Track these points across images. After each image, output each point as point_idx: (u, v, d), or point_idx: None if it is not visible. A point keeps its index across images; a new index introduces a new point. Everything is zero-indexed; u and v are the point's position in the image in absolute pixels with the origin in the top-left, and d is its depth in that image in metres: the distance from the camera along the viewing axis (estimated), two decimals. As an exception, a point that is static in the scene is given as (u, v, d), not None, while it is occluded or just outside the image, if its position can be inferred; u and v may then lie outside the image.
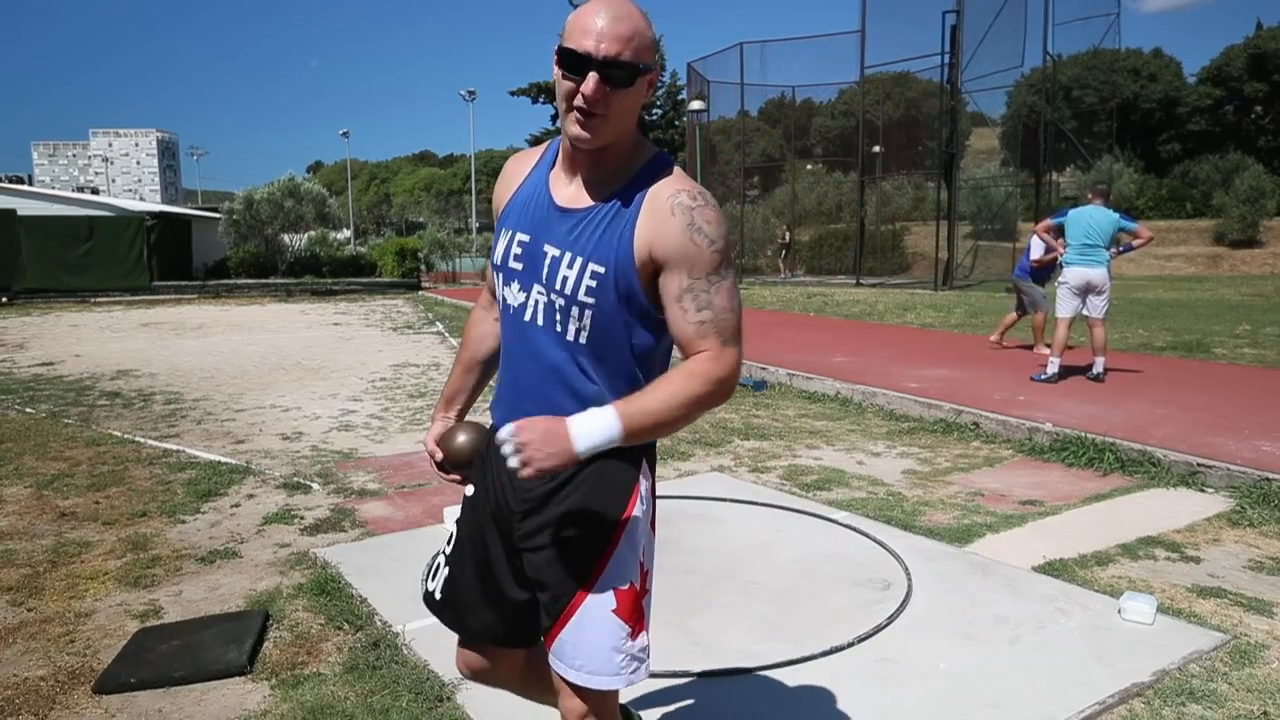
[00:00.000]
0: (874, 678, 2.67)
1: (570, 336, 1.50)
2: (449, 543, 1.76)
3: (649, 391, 1.46)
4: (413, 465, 5.31)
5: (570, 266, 1.48)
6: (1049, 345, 9.45)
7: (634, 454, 1.57)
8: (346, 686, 2.63)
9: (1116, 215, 7.43)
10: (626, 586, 1.56)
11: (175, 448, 5.70)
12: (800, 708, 2.50)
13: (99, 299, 20.12)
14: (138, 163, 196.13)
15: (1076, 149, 26.35)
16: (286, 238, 26.76)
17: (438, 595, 1.75)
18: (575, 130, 1.43)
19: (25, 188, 30.38)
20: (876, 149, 25.84)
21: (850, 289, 21.00)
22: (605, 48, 1.38)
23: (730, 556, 3.69)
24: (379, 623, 3.06)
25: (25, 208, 21.29)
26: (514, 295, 1.56)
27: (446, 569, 1.74)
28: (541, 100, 39.51)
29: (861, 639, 2.91)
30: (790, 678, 2.67)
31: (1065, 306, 7.54)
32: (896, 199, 28.52)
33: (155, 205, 38.06)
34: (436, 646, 2.87)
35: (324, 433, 6.20)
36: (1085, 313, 7.48)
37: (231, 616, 3.10)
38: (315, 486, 4.83)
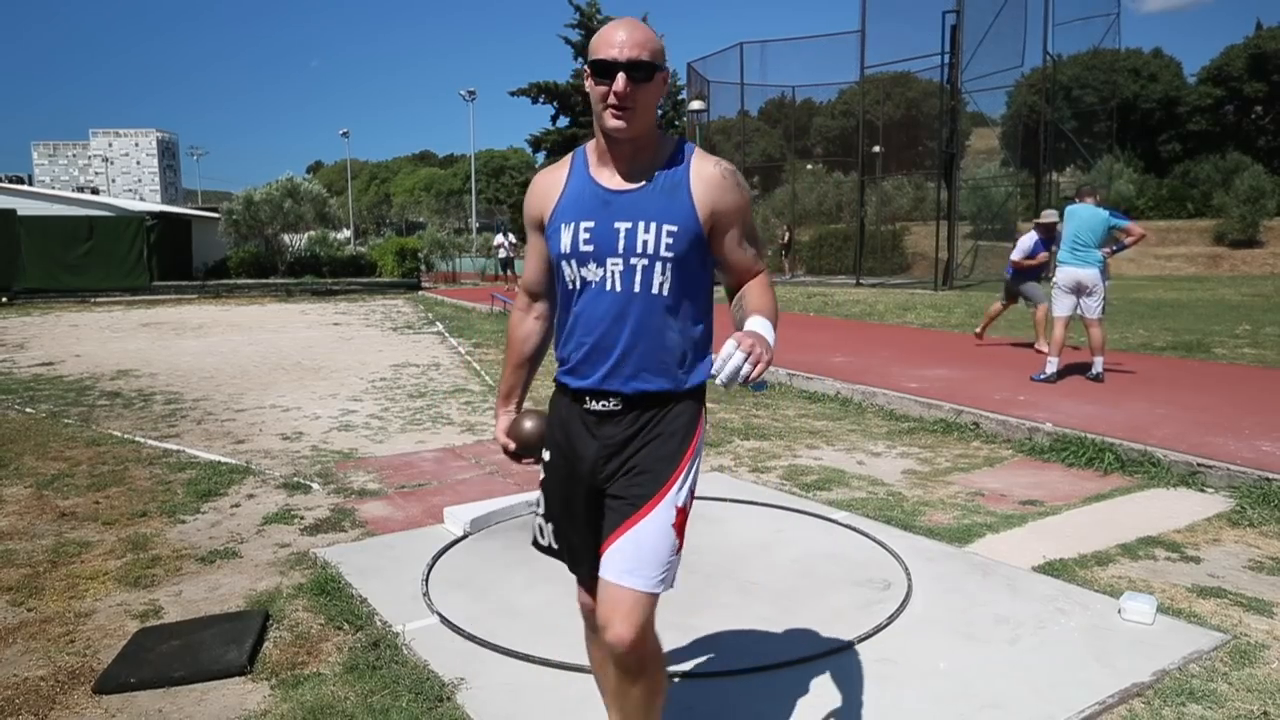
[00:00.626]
0: (874, 678, 2.67)
1: (655, 289, 1.81)
2: (539, 504, 2.04)
3: (763, 302, 1.86)
4: (413, 465, 5.31)
5: (647, 231, 1.80)
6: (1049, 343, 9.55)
7: (696, 397, 1.90)
8: (346, 686, 2.63)
9: (1106, 213, 7.48)
10: (683, 505, 1.85)
11: (175, 448, 5.70)
12: (800, 708, 2.50)
13: (99, 299, 20.13)
14: (138, 163, 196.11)
15: (1076, 149, 26.35)
16: (286, 238, 26.75)
17: (554, 545, 2.04)
18: (612, 123, 1.76)
19: (25, 188, 30.37)
20: (876, 149, 25.85)
21: (850, 289, 21.00)
22: (627, 52, 1.72)
23: (730, 556, 3.69)
24: (379, 623, 3.06)
25: (25, 208, 21.29)
26: (591, 273, 1.84)
27: (550, 524, 2.02)
28: (541, 100, 39.47)
29: (861, 639, 2.91)
30: (790, 678, 2.67)
31: (1060, 306, 7.58)
32: (896, 199, 28.53)
33: (155, 205, 38.05)
34: (436, 646, 2.87)
35: (324, 433, 6.20)
36: (1080, 313, 7.51)
37: (231, 616, 3.10)
38: (315, 486, 4.83)
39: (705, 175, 1.83)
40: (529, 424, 1.97)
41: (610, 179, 1.84)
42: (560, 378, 1.96)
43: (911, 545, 3.81)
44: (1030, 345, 9.72)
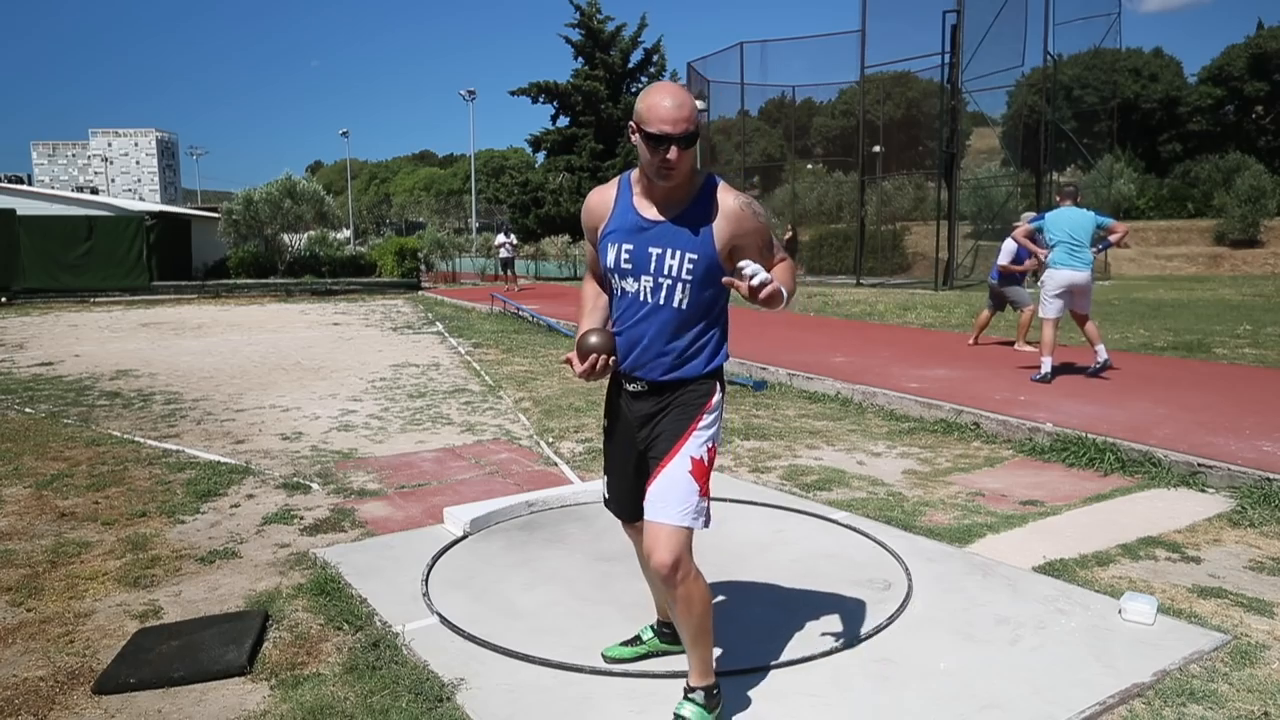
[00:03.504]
0: (874, 678, 2.66)
1: (675, 304, 2.29)
2: (604, 461, 2.61)
3: (784, 275, 2.28)
4: (412, 465, 5.31)
5: (674, 258, 2.26)
6: (1030, 343, 9.55)
7: (710, 378, 2.36)
8: (346, 687, 2.62)
9: (1093, 213, 7.51)
10: (699, 456, 2.31)
11: (175, 448, 5.70)
12: (800, 708, 2.50)
13: (98, 299, 20.12)
14: (137, 162, 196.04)
15: (1077, 149, 26.35)
16: (286, 238, 26.70)
17: (607, 495, 2.62)
18: (663, 181, 2.21)
19: (25, 187, 30.36)
20: (877, 149, 25.82)
21: (850, 289, 21.00)
22: (680, 128, 2.13)
23: (730, 556, 3.69)
24: (379, 623, 3.06)
25: (25, 207, 21.26)
26: (629, 285, 2.32)
27: (606, 477, 2.60)
28: (541, 100, 39.38)
29: (861, 639, 2.91)
30: (790, 678, 2.67)
31: (1050, 308, 7.54)
32: (897, 199, 28.48)
33: (155, 205, 38.03)
34: (436, 647, 2.87)
35: (324, 433, 6.20)
36: (1074, 309, 7.54)
37: (231, 616, 3.09)
38: (315, 486, 4.83)
39: (726, 210, 2.26)
40: (592, 338, 2.36)
41: (648, 210, 2.29)
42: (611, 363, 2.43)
43: (912, 545, 3.81)
44: (1033, 345, 9.73)
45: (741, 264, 2.12)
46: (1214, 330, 11.42)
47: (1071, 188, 8.00)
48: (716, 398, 2.38)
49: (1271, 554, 3.74)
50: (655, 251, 2.27)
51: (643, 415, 2.38)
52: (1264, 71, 45.67)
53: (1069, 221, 7.44)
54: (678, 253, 2.25)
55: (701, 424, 2.33)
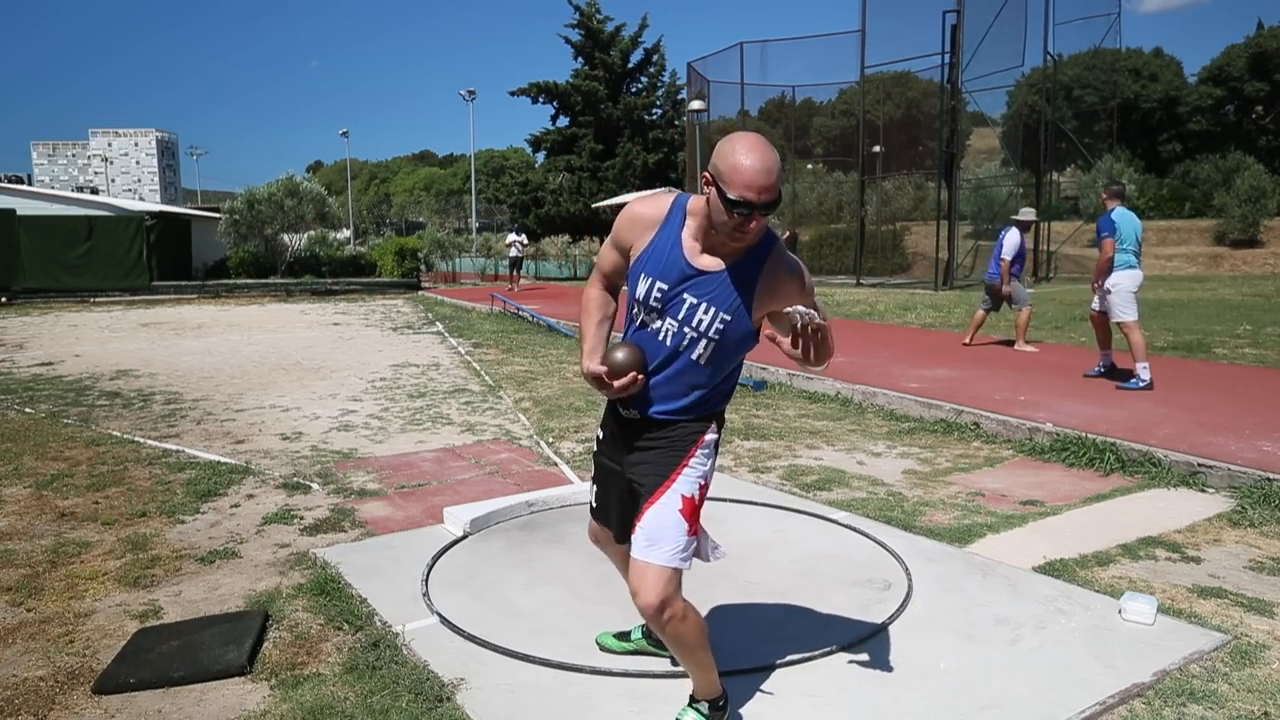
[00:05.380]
0: (874, 678, 2.66)
1: (694, 357, 2.16)
2: (592, 469, 2.52)
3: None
4: (412, 465, 5.31)
5: (706, 313, 2.11)
6: (1030, 342, 9.62)
7: (706, 419, 2.25)
8: (346, 687, 2.62)
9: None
10: (689, 494, 2.20)
11: (175, 448, 5.70)
12: (800, 708, 2.50)
13: (98, 299, 20.12)
14: (137, 162, 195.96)
15: (1077, 149, 26.36)
16: (286, 238, 26.68)
17: (594, 504, 2.52)
18: (738, 244, 2.07)
19: (25, 187, 30.33)
20: (876, 149, 25.80)
21: (851, 289, 20.99)
22: (765, 197, 1.95)
23: (730, 556, 3.67)
24: (379, 623, 3.06)
25: (25, 207, 21.25)
26: (652, 321, 2.18)
27: (595, 487, 2.50)
28: (541, 100, 39.39)
29: (861, 639, 2.91)
30: (790, 678, 2.67)
31: (1132, 310, 7.26)
32: (897, 199, 28.48)
33: (155, 205, 38.01)
34: (436, 647, 2.87)
35: (324, 433, 6.20)
36: (1115, 317, 7.33)
37: (231, 616, 3.09)
38: (315, 486, 4.83)
39: (775, 280, 2.13)
40: (620, 353, 2.18)
41: (695, 256, 2.13)
42: None
43: (912, 545, 3.81)
44: (1032, 344, 9.74)
45: (788, 311, 2.04)
46: (1214, 330, 11.42)
47: (1119, 186, 7.67)
48: (711, 436, 2.27)
49: (1271, 554, 3.74)
50: (689, 300, 2.11)
51: (633, 444, 2.28)
52: (1264, 71, 45.66)
53: (1134, 224, 7.29)
54: (712, 309, 2.10)
55: (694, 460, 2.22)
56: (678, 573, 2.16)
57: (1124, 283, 7.29)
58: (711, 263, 2.11)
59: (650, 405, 2.22)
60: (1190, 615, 3.10)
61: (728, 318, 2.10)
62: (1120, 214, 7.32)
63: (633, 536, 2.21)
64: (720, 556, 2.42)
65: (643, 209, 2.21)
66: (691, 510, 2.20)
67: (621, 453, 2.32)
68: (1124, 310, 7.30)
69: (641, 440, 2.26)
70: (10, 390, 7.98)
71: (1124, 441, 5.24)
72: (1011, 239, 9.38)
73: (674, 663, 2.70)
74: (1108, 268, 7.36)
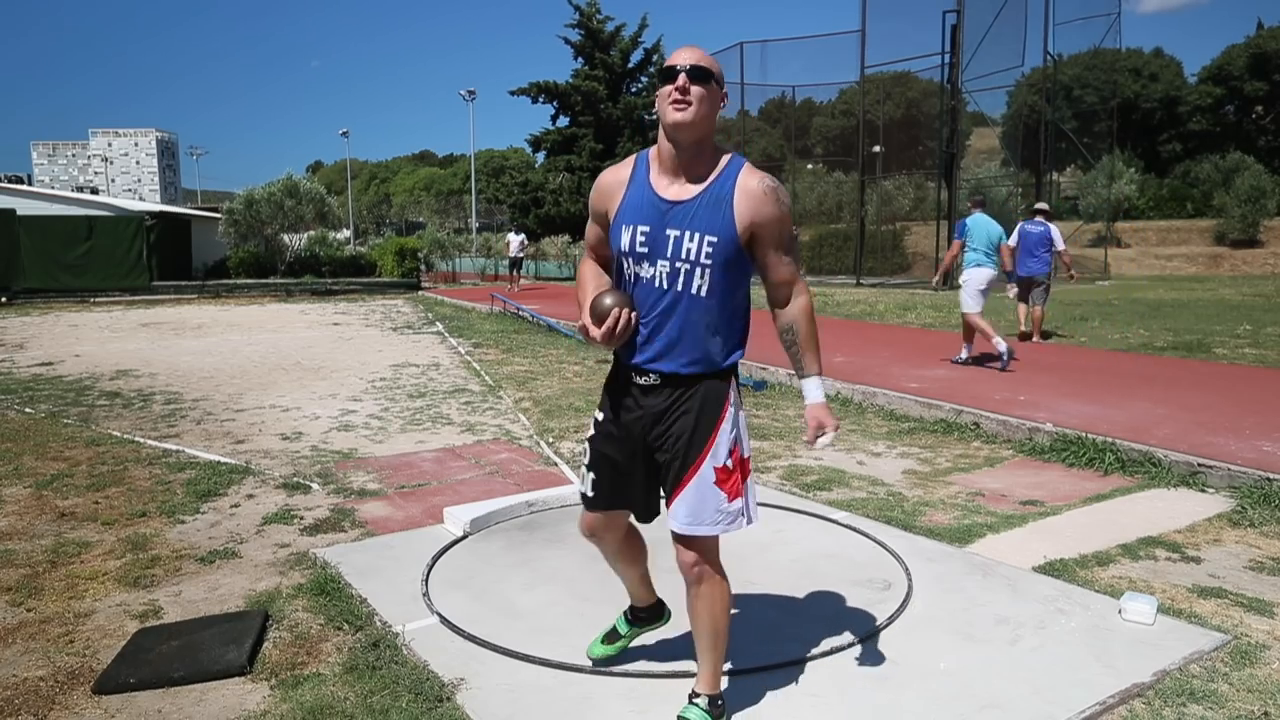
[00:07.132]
0: (874, 678, 2.66)
1: (695, 290, 2.16)
2: (586, 456, 2.43)
3: (809, 341, 2.41)
4: (412, 465, 5.31)
5: (691, 240, 2.14)
6: (1027, 337, 10.34)
7: (725, 376, 2.28)
8: (346, 687, 2.62)
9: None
10: (722, 464, 2.23)
11: (175, 448, 5.70)
12: (800, 708, 2.50)
13: (98, 299, 20.12)
14: (137, 163, 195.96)
15: (1077, 149, 26.38)
16: (286, 238, 26.69)
17: (590, 493, 2.42)
18: (675, 117, 2.10)
19: (25, 187, 30.33)
20: (876, 149, 25.82)
21: (850, 289, 20.99)
22: (688, 60, 2.11)
23: (730, 556, 3.66)
24: (379, 623, 3.06)
25: (25, 208, 21.26)
26: (645, 270, 2.19)
27: (592, 474, 2.40)
28: (541, 100, 39.41)
29: (861, 639, 2.91)
30: (790, 678, 2.67)
31: (977, 303, 8.38)
32: (897, 199, 28.50)
33: (155, 205, 38.02)
34: (436, 647, 2.87)
35: (324, 433, 6.20)
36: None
37: (231, 616, 3.09)
38: (315, 486, 4.83)
39: (748, 190, 2.15)
40: (606, 298, 2.20)
41: (666, 188, 2.18)
42: (616, 352, 2.32)
43: (911, 545, 3.81)
44: (1028, 338, 9.92)
45: (814, 439, 2.31)
46: (1214, 330, 11.42)
47: (980, 196, 9.06)
48: (733, 395, 2.28)
49: (1271, 554, 3.74)
50: (673, 234, 2.15)
51: (655, 411, 2.25)
52: (1264, 71, 45.68)
53: (987, 228, 8.38)
54: (696, 235, 2.13)
55: (722, 430, 2.23)
56: (716, 537, 2.28)
57: (973, 278, 8.34)
58: (683, 190, 2.17)
59: (664, 359, 2.20)
60: (1190, 615, 3.10)
61: (714, 239, 2.14)
62: (975, 219, 8.45)
63: (669, 511, 2.25)
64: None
65: (607, 175, 2.32)
66: (726, 476, 2.24)
67: (642, 428, 2.27)
68: (969, 302, 8.37)
69: (664, 403, 2.24)
70: (10, 390, 7.98)
71: (1124, 441, 5.24)
72: (1058, 230, 10.36)
73: (668, 661, 2.70)
74: (950, 264, 9.03)
